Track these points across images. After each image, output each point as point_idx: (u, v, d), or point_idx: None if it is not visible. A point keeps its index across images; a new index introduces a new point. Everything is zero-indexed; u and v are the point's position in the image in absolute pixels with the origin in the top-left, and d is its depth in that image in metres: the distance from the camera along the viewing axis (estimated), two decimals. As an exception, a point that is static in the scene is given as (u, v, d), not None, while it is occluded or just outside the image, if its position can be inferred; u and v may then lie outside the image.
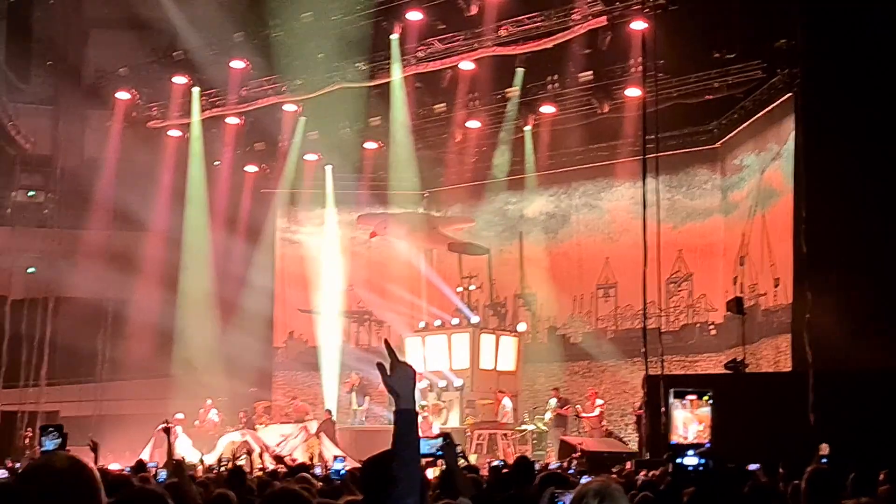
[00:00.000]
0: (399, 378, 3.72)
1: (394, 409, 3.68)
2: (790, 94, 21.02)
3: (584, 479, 5.37)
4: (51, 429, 6.88)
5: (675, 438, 4.90)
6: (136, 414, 25.38)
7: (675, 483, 5.60)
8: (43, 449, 6.79)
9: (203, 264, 27.75)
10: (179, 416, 24.16)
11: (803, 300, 17.41)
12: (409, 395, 3.72)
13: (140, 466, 12.36)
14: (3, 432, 25.35)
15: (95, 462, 10.63)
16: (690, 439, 4.80)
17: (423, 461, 5.06)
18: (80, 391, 27.56)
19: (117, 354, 26.89)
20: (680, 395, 4.84)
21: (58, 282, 27.55)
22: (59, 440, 6.79)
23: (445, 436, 5.11)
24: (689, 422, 4.87)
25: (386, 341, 3.89)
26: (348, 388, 26.42)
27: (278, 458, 16.01)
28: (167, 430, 12.38)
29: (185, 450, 22.29)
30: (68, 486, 2.94)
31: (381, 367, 3.72)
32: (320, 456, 20.64)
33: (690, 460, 4.68)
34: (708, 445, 4.81)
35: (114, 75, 26.69)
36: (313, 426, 23.89)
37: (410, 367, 3.76)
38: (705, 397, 4.85)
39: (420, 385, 24.65)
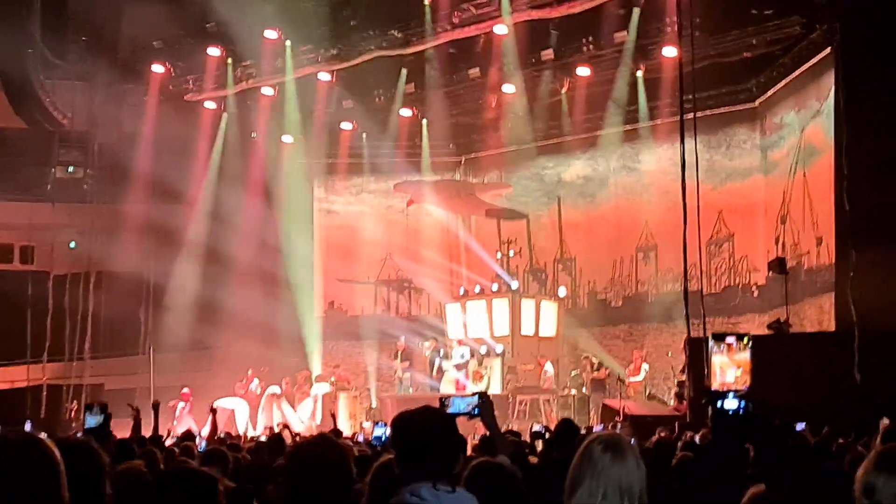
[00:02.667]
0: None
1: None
2: (829, 50, 20.70)
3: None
4: (94, 406, 6.90)
5: (714, 385, 4.82)
6: (180, 385, 25.59)
7: (716, 430, 5.54)
8: (86, 427, 6.81)
9: (242, 236, 27.83)
10: (185, 390, 24.48)
11: (846, 259, 17.19)
12: None
13: (188, 436, 12.46)
14: (50, 406, 25.64)
15: (138, 430, 10.69)
16: (731, 384, 4.71)
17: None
18: (124, 364, 27.82)
19: (159, 327, 27.07)
20: (719, 339, 4.77)
21: (99, 256, 27.73)
22: (101, 417, 6.81)
23: (481, 394, 5.07)
24: (727, 367, 4.79)
25: None
26: (393, 355, 26.45)
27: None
28: (213, 411, 12.50)
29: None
30: (21, 463, 2.88)
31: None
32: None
33: (731, 403, 4.60)
34: (745, 389, 4.72)
35: (148, 49, 26.73)
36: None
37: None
38: (745, 340, 4.77)
39: (459, 351, 24.73)
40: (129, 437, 9.83)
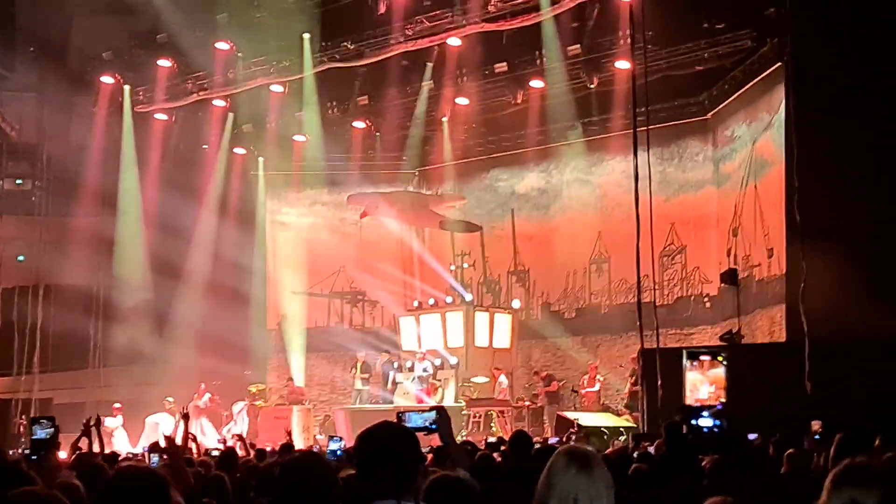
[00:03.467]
0: None
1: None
2: (780, 63, 20.90)
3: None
4: (42, 419, 6.78)
5: (688, 401, 4.80)
6: (131, 399, 25.31)
7: (677, 449, 5.52)
8: (34, 437, 6.68)
9: (194, 248, 27.61)
10: (117, 405, 24.25)
11: (797, 270, 17.32)
12: None
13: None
14: (-3, 420, 25.26)
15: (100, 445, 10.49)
16: (706, 400, 4.70)
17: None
18: (73, 378, 27.48)
19: (109, 340, 26.76)
20: (693, 356, 4.75)
21: (47, 269, 27.43)
22: (52, 430, 6.69)
23: (439, 408, 5.04)
24: (700, 383, 4.77)
25: None
26: (351, 368, 26.25)
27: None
28: (185, 416, 12.30)
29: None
30: None
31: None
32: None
33: (705, 422, 4.59)
34: (719, 406, 4.72)
35: (98, 60, 26.47)
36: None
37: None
38: (719, 357, 4.76)
39: (421, 365, 24.63)
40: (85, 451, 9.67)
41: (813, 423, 9.78)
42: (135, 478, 3.63)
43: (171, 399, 24.39)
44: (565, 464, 3.78)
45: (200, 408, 24.68)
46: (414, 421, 4.92)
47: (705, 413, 4.54)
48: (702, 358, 4.74)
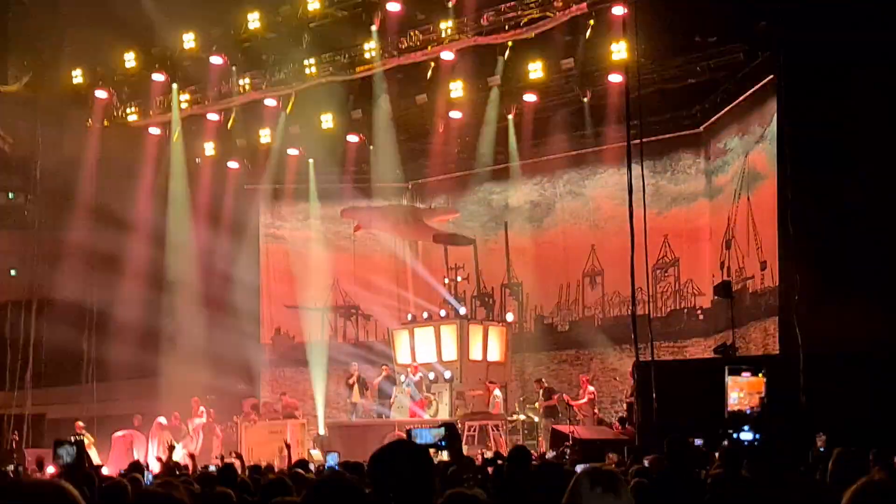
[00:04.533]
0: None
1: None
2: (772, 77, 20.98)
3: (579, 468, 5.29)
4: (66, 444, 6.75)
5: (728, 409, 4.82)
6: (124, 415, 25.24)
7: (678, 464, 5.52)
8: (62, 462, 6.65)
9: (187, 262, 27.58)
10: (80, 423, 24.22)
11: (791, 282, 17.38)
12: None
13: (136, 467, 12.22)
14: (-10, 436, 25.18)
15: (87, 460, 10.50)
16: (735, 406, 4.73)
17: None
18: (66, 393, 27.38)
19: (103, 355, 26.67)
20: (734, 373, 4.78)
21: (40, 284, 27.32)
22: (73, 449, 6.68)
23: (449, 425, 5.02)
24: (731, 389, 4.80)
25: None
26: (349, 381, 26.19)
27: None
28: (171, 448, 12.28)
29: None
30: None
31: None
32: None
33: (745, 435, 4.61)
34: (749, 412, 4.73)
35: (92, 74, 26.43)
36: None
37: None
38: (759, 374, 4.79)
39: (414, 378, 24.62)
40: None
41: (817, 437, 9.80)
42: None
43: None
44: (590, 485, 3.76)
45: (164, 425, 24.58)
46: (423, 437, 4.91)
47: (746, 427, 4.57)
48: (744, 375, 4.77)
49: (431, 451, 4.86)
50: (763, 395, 4.57)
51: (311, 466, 13.48)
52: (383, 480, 3.81)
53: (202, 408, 25.42)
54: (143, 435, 24.30)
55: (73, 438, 6.84)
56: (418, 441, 4.82)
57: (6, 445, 25.08)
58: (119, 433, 24.01)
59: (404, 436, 4.73)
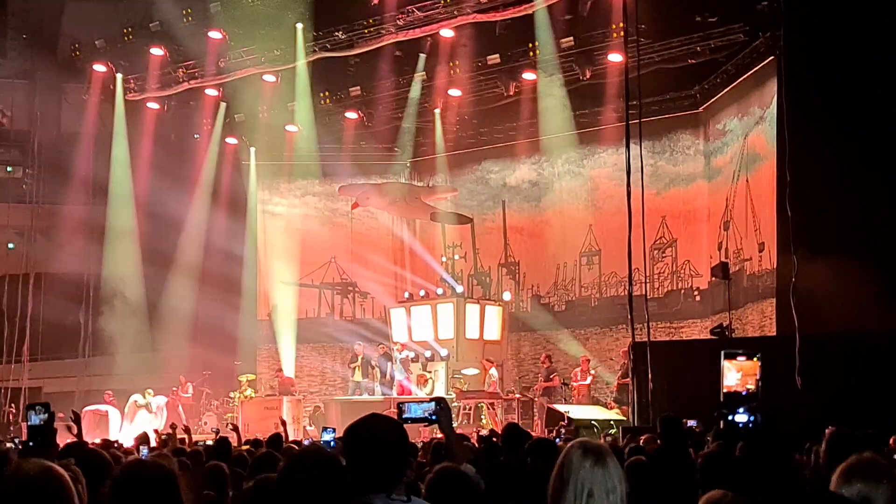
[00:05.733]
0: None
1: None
2: (772, 58, 20.92)
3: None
4: (37, 406, 6.76)
5: (726, 389, 4.80)
6: (120, 389, 25.28)
7: (672, 442, 5.50)
8: (29, 423, 6.66)
9: (185, 237, 27.56)
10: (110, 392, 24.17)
11: (788, 264, 17.36)
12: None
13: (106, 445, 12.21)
14: (-12, 408, 25.25)
15: (79, 434, 10.52)
16: (732, 387, 4.71)
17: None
18: (63, 367, 27.42)
19: (100, 329, 26.70)
20: (730, 356, 4.77)
21: (38, 258, 27.35)
22: (46, 416, 6.68)
23: (439, 400, 5.01)
24: (728, 370, 4.79)
25: None
26: (352, 364, 26.18)
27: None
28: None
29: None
30: (39, 494, 2.85)
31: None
32: None
33: (741, 417, 4.61)
34: (745, 393, 4.72)
35: (90, 48, 26.34)
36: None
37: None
38: (755, 358, 4.78)
39: (400, 355, 24.68)
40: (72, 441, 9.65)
41: (827, 430, 9.79)
42: (146, 471, 3.62)
43: (150, 391, 24.39)
44: (580, 457, 3.78)
45: (140, 404, 24.57)
46: (413, 411, 4.90)
47: (741, 409, 4.56)
48: (739, 359, 4.76)
49: (424, 425, 4.86)
50: (758, 377, 4.59)
51: (306, 443, 13.51)
52: (357, 453, 3.79)
53: (190, 384, 25.52)
54: (118, 409, 24.29)
55: (43, 404, 6.84)
56: (408, 415, 4.80)
57: (3, 419, 25.14)
58: (90, 408, 23.91)
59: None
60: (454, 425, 17.16)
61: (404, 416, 4.80)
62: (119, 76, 26.41)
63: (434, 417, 4.91)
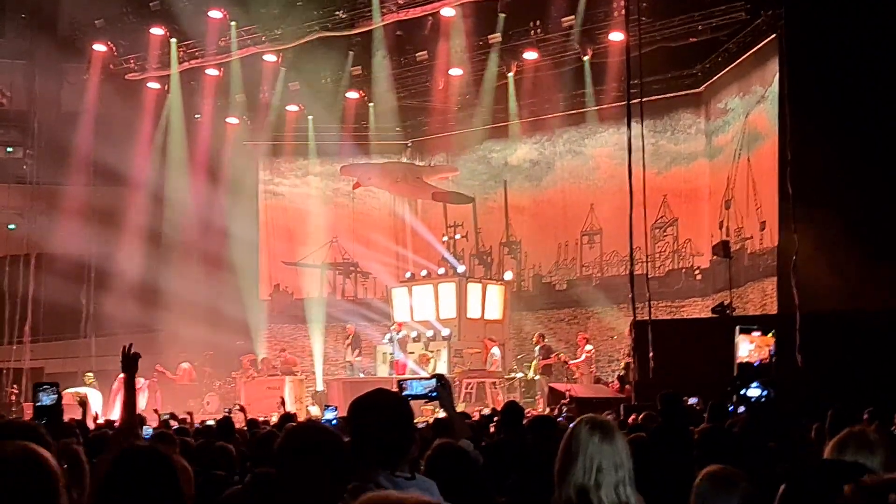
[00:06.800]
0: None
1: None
2: (774, 36, 20.87)
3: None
4: (45, 385, 6.78)
5: (738, 360, 4.82)
6: (117, 369, 25.29)
7: (671, 419, 5.52)
8: (39, 404, 6.68)
9: (186, 218, 27.56)
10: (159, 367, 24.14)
11: (789, 243, 17.37)
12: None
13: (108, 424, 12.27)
14: (-11, 389, 25.30)
15: (84, 416, 10.59)
16: (745, 357, 4.72)
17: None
18: (64, 347, 27.45)
19: (101, 310, 26.73)
20: (745, 332, 4.78)
21: (39, 238, 27.34)
22: (55, 396, 6.71)
23: (439, 377, 5.02)
24: (742, 341, 4.80)
25: None
26: (346, 339, 26.21)
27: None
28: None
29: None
30: (19, 477, 2.81)
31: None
32: None
33: (753, 392, 4.63)
34: (760, 363, 4.73)
35: (90, 27, 26.24)
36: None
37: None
38: (769, 334, 4.80)
39: (398, 335, 24.72)
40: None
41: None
42: (141, 457, 3.60)
43: (90, 374, 24.22)
44: (588, 433, 3.80)
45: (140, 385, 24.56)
46: (414, 388, 4.91)
47: (755, 383, 4.57)
48: (754, 334, 4.77)
49: (424, 402, 4.89)
50: (773, 351, 4.62)
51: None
52: (362, 428, 3.77)
53: (185, 363, 25.65)
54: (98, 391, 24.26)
55: (52, 383, 6.83)
56: (409, 392, 4.81)
57: (5, 399, 25.19)
58: (69, 391, 23.80)
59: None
60: (463, 405, 17.29)
61: (405, 393, 4.81)
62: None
63: (435, 394, 4.93)
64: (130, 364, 6.20)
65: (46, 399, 6.50)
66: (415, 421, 4.13)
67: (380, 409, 3.82)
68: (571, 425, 3.91)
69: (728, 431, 6.72)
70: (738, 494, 3.90)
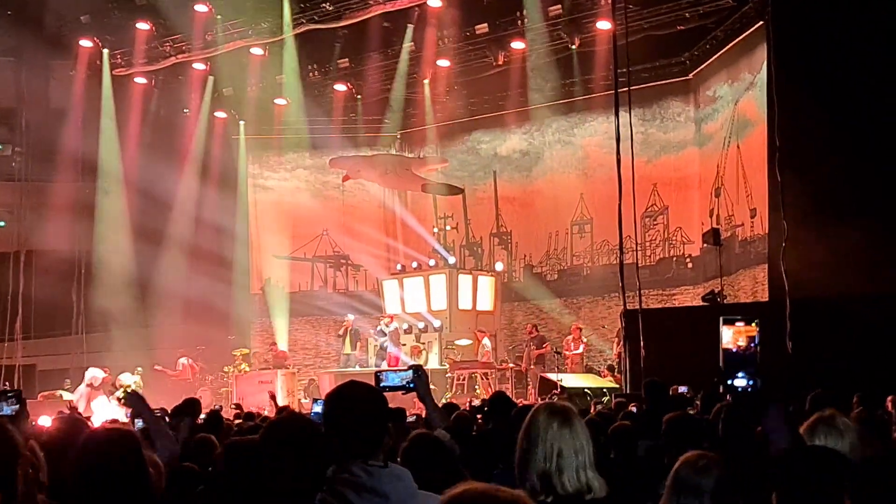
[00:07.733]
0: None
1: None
2: (762, 23, 20.85)
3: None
4: (9, 394, 6.70)
5: (723, 346, 4.81)
6: (114, 365, 25.24)
7: (656, 406, 5.50)
8: (0, 413, 6.60)
9: (176, 213, 27.49)
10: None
11: (779, 230, 17.35)
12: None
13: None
14: (-20, 387, 25.17)
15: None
16: (728, 345, 4.72)
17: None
18: (56, 344, 27.39)
19: (92, 306, 26.65)
20: (729, 322, 4.78)
21: (29, 235, 27.24)
22: (17, 406, 6.63)
23: (416, 367, 5.05)
24: (726, 331, 4.81)
25: None
26: (342, 332, 26.20)
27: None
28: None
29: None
30: None
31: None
32: None
33: (739, 382, 4.63)
34: (738, 349, 4.73)
35: (76, 23, 26.12)
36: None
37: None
38: (753, 324, 4.80)
39: (388, 328, 24.68)
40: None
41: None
42: (108, 438, 3.62)
43: (67, 380, 24.09)
44: (547, 419, 3.83)
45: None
46: (391, 380, 4.93)
47: (741, 374, 4.57)
48: (737, 325, 4.77)
49: (402, 393, 4.89)
50: (756, 341, 4.61)
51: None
52: (335, 420, 3.83)
53: (182, 359, 25.60)
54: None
55: (11, 390, 6.78)
56: (386, 384, 4.83)
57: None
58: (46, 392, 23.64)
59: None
60: (448, 395, 17.29)
61: (382, 384, 4.83)
62: (105, 51, 26.25)
63: (412, 385, 4.95)
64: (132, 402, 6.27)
65: (7, 409, 6.43)
66: (399, 407, 4.20)
67: (352, 400, 3.87)
68: (530, 413, 3.93)
69: (694, 418, 6.75)
70: (714, 478, 3.93)
